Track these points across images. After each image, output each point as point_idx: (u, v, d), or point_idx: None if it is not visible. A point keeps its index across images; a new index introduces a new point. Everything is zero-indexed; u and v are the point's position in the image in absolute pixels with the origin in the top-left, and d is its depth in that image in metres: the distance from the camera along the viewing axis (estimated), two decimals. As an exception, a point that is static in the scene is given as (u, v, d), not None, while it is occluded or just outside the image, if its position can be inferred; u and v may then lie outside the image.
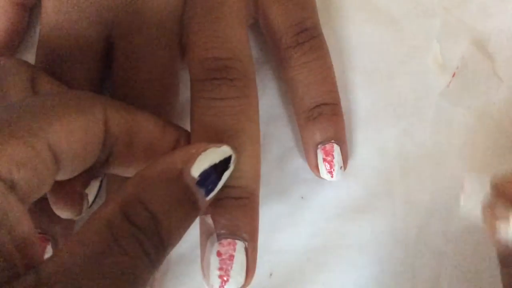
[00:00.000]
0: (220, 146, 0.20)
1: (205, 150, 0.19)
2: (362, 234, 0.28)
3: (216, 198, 0.21)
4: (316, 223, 0.28)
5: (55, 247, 0.25)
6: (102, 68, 0.27)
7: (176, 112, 0.27)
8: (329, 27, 0.30)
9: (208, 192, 0.19)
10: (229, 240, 0.22)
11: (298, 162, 0.29)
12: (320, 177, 0.28)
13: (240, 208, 0.22)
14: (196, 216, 0.19)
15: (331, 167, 0.27)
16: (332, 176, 0.27)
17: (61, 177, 0.19)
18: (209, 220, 0.22)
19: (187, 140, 0.23)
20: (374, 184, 0.29)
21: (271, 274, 0.28)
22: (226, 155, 0.20)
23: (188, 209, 0.19)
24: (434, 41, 0.30)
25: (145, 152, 0.21)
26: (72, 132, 0.18)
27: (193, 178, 0.19)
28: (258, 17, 0.28)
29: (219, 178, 0.20)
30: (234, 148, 0.21)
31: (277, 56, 0.28)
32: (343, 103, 0.28)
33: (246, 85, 0.24)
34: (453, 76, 0.30)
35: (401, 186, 0.29)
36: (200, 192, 0.19)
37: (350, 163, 0.28)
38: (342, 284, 0.27)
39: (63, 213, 0.22)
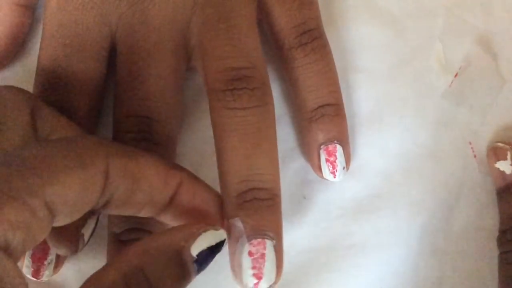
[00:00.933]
0: (218, 229, 0.21)
1: (205, 231, 0.21)
2: (364, 234, 0.28)
3: (244, 200, 0.23)
4: (319, 223, 0.28)
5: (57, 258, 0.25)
6: (106, 69, 0.26)
7: (178, 113, 0.27)
8: (331, 27, 0.30)
9: (200, 269, 0.21)
10: (259, 239, 0.23)
11: (301, 162, 0.29)
12: (323, 177, 0.28)
13: (267, 209, 0.23)
14: (186, 286, 0.21)
15: (334, 167, 0.27)
16: (335, 177, 0.27)
17: (56, 224, 0.19)
18: (238, 223, 0.23)
19: (189, 183, 0.23)
20: (376, 184, 0.29)
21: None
22: (222, 238, 0.21)
23: (182, 282, 0.20)
24: (436, 41, 0.30)
25: (146, 197, 0.21)
26: (71, 188, 0.18)
27: (191, 256, 0.20)
28: (261, 17, 0.28)
29: (212, 258, 0.21)
30: (259, 156, 0.23)
31: (279, 56, 0.28)
32: (345, 103, 0.28)
33: (265, 92, 0.25)
34: (456, 76, 0.30)
35: (403, 186, 0.29)
36: (194, 268, 0.20)
37: (353, 163, 0.28)
38: (344, 284, 0.27)
39: (59, 251, 0.23)
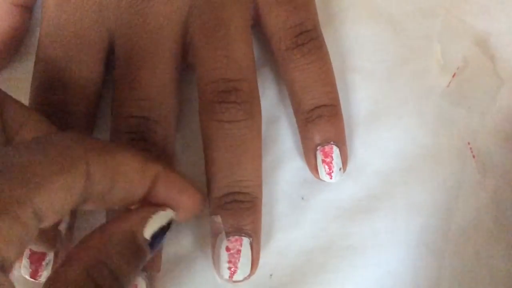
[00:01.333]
0: (165, 210, 0.23)
1: (154, 213, 0.22)
2: (362, 235, 0.28)
3: (225, 202, 0.25)
4: (317, 224, 0.28)
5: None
6: (104, 69, 0.27)
7: (176, 113, 0.27)
8: (329, 27, 0.30)
9: (153, 248, 0.22)
10: (236, 237, 0.25)
11: (299, 163, 0.29)
12: (319, 178, 0.28)
13: (246, 210, 0.25)
14: (143, 265, 0.22)
15: (330, 168, 0.27)
16: (331, 178, 0.27)
17: (40, 228, 0.20)
18: (218, 219, 0.25)
19: (165, 175, 0.23)
20: (375, 185, 0.29)
21: (271, 275, 0.28)
22: (170, 217, 0.23)
23: (138, 262, 0.21)
24: (435, 41, 0.30)
25: (124, 192, 0.22)
26: (57, 193, 0.19)
27: (145, 239, 0.21)
28: (258, 19, 0.28)
29: (164, 237, 0.22)
30: (242, 164, 0.25)
31: (276, 57, 0.28)
32: (343, 104, 0.28)
33: (253, 105, 0.26)
34: (454, 76, 0.30)
35: (401, 187, 0.29)
36: (148, 249, 0.22)
37: (351, 163, 0.28)
38: (342, 285, 0.27)
39: (38, 248, 0.24)
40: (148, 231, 0.22)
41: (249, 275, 0.25)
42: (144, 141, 0.25)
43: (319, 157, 0.27)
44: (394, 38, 0.30)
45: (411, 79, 0.30)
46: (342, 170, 0.27)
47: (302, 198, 0.28)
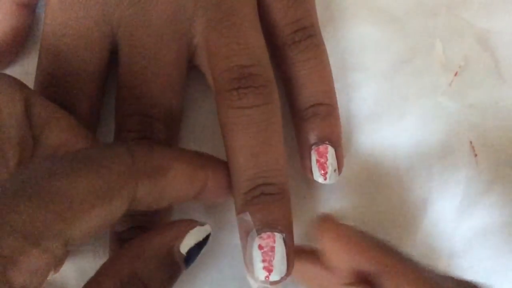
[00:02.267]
0: (203, 225, 0.22)
1: (192, 228, 0.22)
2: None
3: (252, 196, 0.24)
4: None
5: None
6: (108, 68, 0.27)
7: (180, 112, 0.27)
8: (330, 26, 0.30)
9: (188, 264, 0.22)
10: (268, 233, 0.23)
11: (297, 162, 0.29)
12: (314, 179, 0.27)
13: (275, 203, 0.24)
14: (176, 280, 0.21)
15: (324, 169, 0.26)
16: (325, 179, 0.26)
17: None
18: (247, 217, 0.24)
19: (215, 180, 0.23)
20: (376, 184, 0.29)
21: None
22: (208, 232, 0.22)
23: (173, 277, 0.21)
24: (436, 40, 0.30)
25: (170, 202, 0.22)
26: (94, 223, 0.18)
27: (181, 254, 0.21)
28: (259, 15, 0.27)
29: (199, 252, 0.22)
30: (267, 152, 0.24)
31: (273, 53, 0.27)
32: (344, 103, 0.28)
33: (270, 90, 0.25)
34: (456, 75, 0.30)
35: (403, 186, 0.29)
36: (184, 265, 0.22)
37: (351, 162, 0.28)
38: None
39: None
40: (185, 246, 0.21)
41: (286, 275, 0.23)
42: (147, 140, 0.25)
43: (314, 157, 0.26)
44: (395, 36, 0.30)
45: (412, 77, 0.30)
46: (337, 171, 0.27)
47: (305, 197, 0.28)
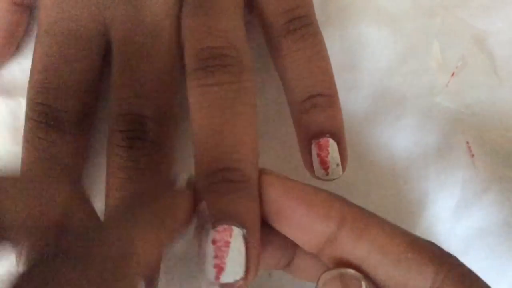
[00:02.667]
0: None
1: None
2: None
3: (212, 181, 0.21)
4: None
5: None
6: (102, 66, 0.26)
7: (174, 110, 0.27)
8: (329, 26, 0.30)
9: None
10: (225, 226, 0.20)
11: (299, 160, 0.28)
12: (315, 176, 0.25)
13: (238, 192, 0.21)
14: None
15: (325, 163, 0.24)
16: (327, 174, 0.24)
17: None
18: (203, 207, 0.20)
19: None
20: (372, 184, 0.29)
21: (270, 274, 0.27)
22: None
23: None
24: (434, 40, 0.30)
25: None
26: None
27: None
28: (252, 7, 0.27)
29: None
30: (231, 131, 0.22)
31: (269, 45, 0.27)
32: (341, 103, 0.28)
33: (241, 71, 0.23)
34: (453, 75, 0.30)
35: (399, 186, 0.29)
36: None
37: (349, 162, 0.28)
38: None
39: None
40: None
41: (245, 279, 0.20)
42: (141, 140, 0.25)
43: (314, 151, 0.24)
44: (393, 37, 0.30)
45: (410, 78, 0.30)
46: (339, 166, 0.25)
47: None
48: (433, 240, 0.28)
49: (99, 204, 0.26)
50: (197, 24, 0.24)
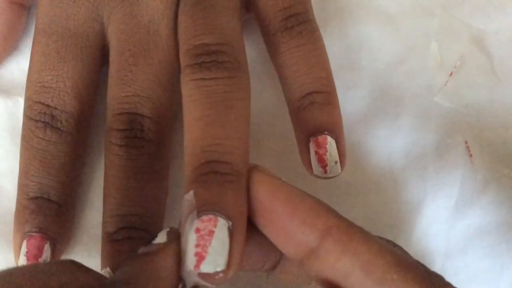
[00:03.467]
0: None
1: None
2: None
3: (200, 172, 0.21)
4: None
5: (53, 247, 0.25)
6: (99, 65, 0.26)
7: (171, 109, 0.27)
8: (327, 26, 0.30)
9: None
10: (210, 216, 0.19)
11: (298, 159, 0.28)
12: (314, 174, 0.24)
13: (226, 184, 0.20)
14: None
15: (323, 161, 0.24)
16: (325, 172, 0.24)
17: None
18: (190, 196, 0.20)
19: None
20: (370, 184, 0.29)
21: (267, 275, 0.27)
22: None
23: None
24: (432, 40, 0.30)
25: None
26: None
27: None
28: (250, 4, 0.27)
29: None
30: (223, 125, 0.21)
31: (266, 43, 0.27)
32: (340, 102, 0.28)
33: (236, 68, 0.23)
34: (451, 75, 0.30)
35: (398, 186, 0.29)
36: None
37: (347, 162, 0.28)
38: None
39: None
40: None
41: (225, 273, 0.19)
42: (138, 139, 0.25)
43: (312, 148, 0.24)
44: (391, 36, 0.30)
45: (408, 77, 0.30)
46: (338, 164, 0.24)
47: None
48: (432, 240, 0.28)
49: (97, 204, 0.27)
50: (194, 20, 0.24)
